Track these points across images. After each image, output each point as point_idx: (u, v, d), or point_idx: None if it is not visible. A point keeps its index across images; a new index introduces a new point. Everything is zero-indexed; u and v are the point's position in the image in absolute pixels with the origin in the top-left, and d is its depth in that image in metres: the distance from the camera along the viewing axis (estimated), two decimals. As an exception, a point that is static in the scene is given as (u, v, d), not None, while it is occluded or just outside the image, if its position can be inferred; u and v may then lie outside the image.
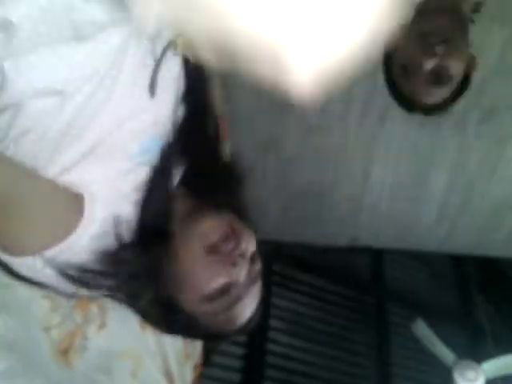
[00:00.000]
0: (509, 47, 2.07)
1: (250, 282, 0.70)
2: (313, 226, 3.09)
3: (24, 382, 0.71)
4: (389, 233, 3.13)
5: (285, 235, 3.17)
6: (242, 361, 3.13)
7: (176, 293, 0.70)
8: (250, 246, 0.79)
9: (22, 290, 0.76)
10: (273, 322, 3.40)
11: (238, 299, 0.69)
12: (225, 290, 0.74)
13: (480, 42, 1.01)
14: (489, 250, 3.25)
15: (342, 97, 2.34)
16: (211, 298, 0.73)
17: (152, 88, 0.61)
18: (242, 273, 0.75)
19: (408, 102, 1.16)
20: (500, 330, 3.91)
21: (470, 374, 2.45)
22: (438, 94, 1.09)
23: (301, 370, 3.35)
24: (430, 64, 1.02)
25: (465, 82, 1.08)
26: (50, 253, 0.59)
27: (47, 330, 0.83)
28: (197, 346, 1.82)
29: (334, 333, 3.63)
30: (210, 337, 0.75)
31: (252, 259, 0.78)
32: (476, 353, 3.75)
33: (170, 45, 0.64)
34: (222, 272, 0.73)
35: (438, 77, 1.04)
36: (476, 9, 1.14)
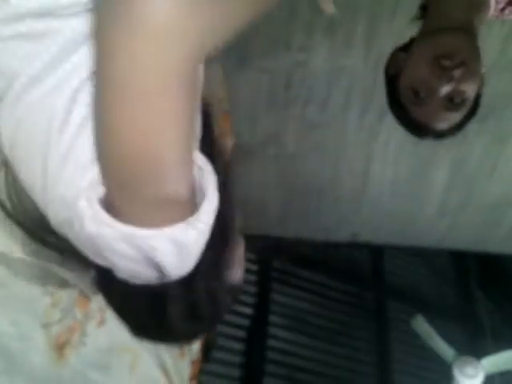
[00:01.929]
0: (508, 45, 2.09)
1: None
2: (313, 222, 3.11)
3: (5, 379, 0.71)
4: (389, 229, 3.14)
5: (285, 231, 3.19)
6: (242, 356, 3.15)
7: None
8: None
9: (22, 287, 0.76)
10: (273, 318, 3.42)
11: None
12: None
13: (480, 40, 1.00)
14: (489, 247, 3.27)
15: (342, 93, 2.36)
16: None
17: None
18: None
19: (417, 128, 1.08)
20: (499, 326, 3.93)
21: (470, 370, 2.46)
22: (452, 119, 1.02)
23: (301, 366, 3.37)
24: (445, 89, 0.95)
25: (475, 102, 1.02)
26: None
27: (46, 326, 0.83)
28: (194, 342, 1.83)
29: (334, 328, 3.64)
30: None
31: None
32: (475, 349, 3.76)
33: None
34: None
35: (453, 102, 0.97)
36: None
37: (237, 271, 0.64)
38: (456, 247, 3.43)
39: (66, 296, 0.88)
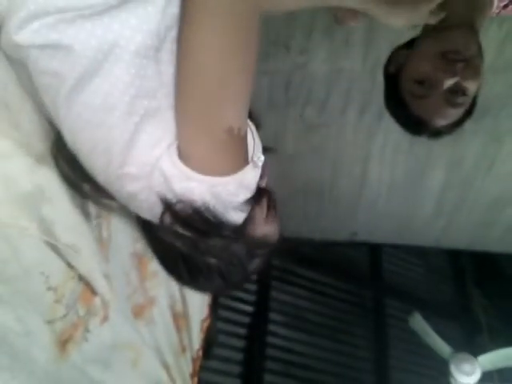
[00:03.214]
0: (505, 47, 2.08)
1: None
2: (312, 222, 3.13)
3: (8, 375, 0.71)
4: (387, 228, 3.16)
5: (285, 230, 3.18)
6: (242, 353, 3.17)
7: None
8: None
9: (27, 282, 0.77)
10: (273, 316, 3.44)
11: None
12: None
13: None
14: (485, 246, 3.28)
15: (341, 95, 2.37)
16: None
17: None
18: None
19: (415, 125, 1.08)
20: (495, 324, 3.94)
21: (466, 367, 2.48)
22: (451, 116, 1.03)
23: (300, 362, 3.38)
24: (449, 82, 0.96)
25: (472, 101, 1.04)
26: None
27: (50, 322, 0.83)
28: (195, 338, 1.84)
29: (333, 326, 3.66)
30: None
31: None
32: (472, 346, 3.78)
33: None
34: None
35: (455, 96, 0.98)
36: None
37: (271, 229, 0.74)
38: (453, 246, 3.44)
39: (69, 292, 0.88)
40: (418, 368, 3.75)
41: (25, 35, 0.54)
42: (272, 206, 0.74)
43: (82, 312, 0.94)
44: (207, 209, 0.60)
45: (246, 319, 3.32)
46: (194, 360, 1.84)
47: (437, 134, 1.08)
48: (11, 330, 0.73)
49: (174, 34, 0.57)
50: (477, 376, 2.46)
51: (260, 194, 0.67)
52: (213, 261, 0.68)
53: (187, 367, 1.73)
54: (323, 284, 3.78)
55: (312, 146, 2.64)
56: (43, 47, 0.55)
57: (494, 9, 1.07)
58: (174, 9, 0.57)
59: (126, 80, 0.56)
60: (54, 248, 0.80)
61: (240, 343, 3.19)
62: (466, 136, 2.47)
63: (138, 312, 1.29)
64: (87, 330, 0.97)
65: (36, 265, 0.78)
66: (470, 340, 3.95)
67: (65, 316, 0.87)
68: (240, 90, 0.58)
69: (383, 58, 2.17)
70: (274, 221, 0.77)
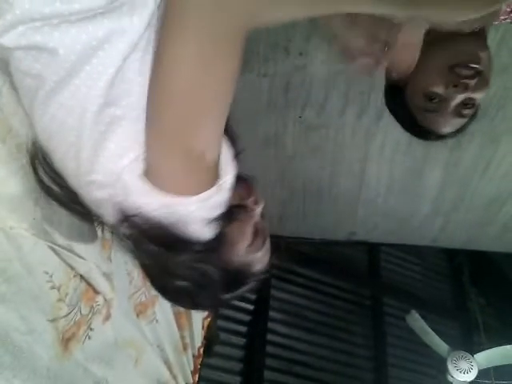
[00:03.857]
0: (501, 49, 2.08)
1: None
2: (312, 221, 3.13)
3: (11, 373, 0.71)
4: (385, 228, 3.17)
5: (285, 230, 3.19)
6: (243, 350, 3.19)
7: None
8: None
9: (30, 281, 0.76)
10: (272, 314, 3.46)
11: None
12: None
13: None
14: (482, 245, 3.28)
15: (340, 97, 2.37)
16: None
17: None
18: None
19: (420, 132, 1.06)
20: (492, 322, 3.95)
21: (464, 365, 2.48)
22: (458, 125, 1.02)
23: (299, 360, 3.41)
24: (460, 98, 0.93)
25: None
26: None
27: (53, 320, 0.83)
28: (196, 336, 1.85)
29: (332, 324, 3.67)
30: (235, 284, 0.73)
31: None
32: (469, 344, 3.80)
33: None
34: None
35: (464, 109, 0.95)
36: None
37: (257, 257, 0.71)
38: (450, 245, 3.44)
39: (72, 291, 0.88)
40: (415, 366, 3.77)
41: (10, 38, 0.54)
42: (260, 235, 0.71)
43: (84, 311, 0.95)
44: (165, 225, 0.59)
45: (247, 317, 3.34)
46: (195, 357, 1.85)
47: (440, 138, 1.06)
48: (14, 328, 0.73)
49: (144, 43, 0.57)
50: (474, 373, 2.47)
51: (231, 215, 0.64)
52: (180, 280, 0.66)
53: (188, 364, 1.74)
54: (322, 283, 3.79)
55: (311, 147, 2.64)
56: (28, 49, 0.54)
57: (501, 14, 1.05)
58: (154, 21, 0.57)
59: (101, 86, 0.56)
60: (53, 247, 0.80)
61: (240, 341, 3.21)
62: (462, 137, 2.46)
63: (141, 310, 1.30)
64: (90, 329, 0.98)
65: (39, 264, 0.78)
66: (467, 338, 3.97)
67: (68, 314, 0.88)
68: (215, 115, 0.57)
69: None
70: (261, 251, 0.73)
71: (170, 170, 0.58)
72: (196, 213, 0.59)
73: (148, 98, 0.57)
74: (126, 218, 0.60)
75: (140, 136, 0.58)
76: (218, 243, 0.63)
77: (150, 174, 0.58)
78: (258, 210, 0.71)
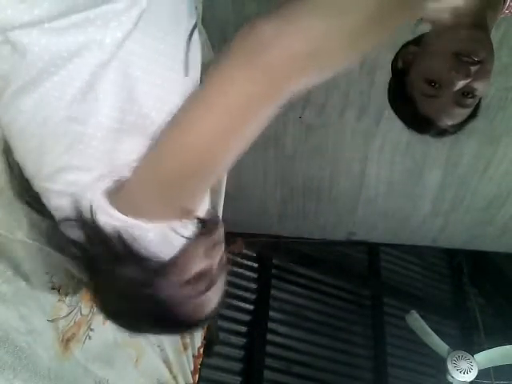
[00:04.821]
0: (502, 48, 2.07)
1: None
2: (312, 222, 3.13)
3: (11, 373, 0.71)
4: (384, 228, 3.17)
5: (285, 230, 3.21)
6: (243, 350, 3.20)
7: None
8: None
9: (31, 281, 0.77)
10: (272, 314, 3.47)
11: (214, 281, 0.68)
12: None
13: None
14: (481, 245, 3.29)
15: (340, 96, 2.38)
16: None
17: (186, 66, 0.62)
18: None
19: (420, 123, 1.06)
20: (491, 322, 3.94)
21: (463, 365, 2.48)
22: (458, 116, 1.02)
23: (299, 360, 3.42)
24: (461, 84, 0.94)
25: (477, 103, 1.02)
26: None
27: (54, 321, 0.84)
28: (196, 336, 1.85)
29: (332, 324, 3.68)
30: (176, 326, 0.71)
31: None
32: (468, 344, 3.81)
33: (196, 25, 0.67)
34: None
35: (464, 97, 0.96)
36: None
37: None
38: (449, 245, 3.44)
39: (72, 291, 0.88)
40: (415, 365, 3.78)
41: None
42: (205, 280, 0.65)
43: (85, 311, 0.95)
44: (122, 242, 0.58)
45: (247, 317, 3.35)
46: (195, 357, 1.85)
47: (440, 133, 1.06)
48: (15, 328, 0.73)
49: (120, 65, 0.56)
50: (474, 373, 2.48)
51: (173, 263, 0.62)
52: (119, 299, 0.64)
53: (188, 364, 1.73)
54: (322, 283, 3.80)
55: (311, 147, 2.64)
56: (1, 44, 0.54)
57: (506, 8, 1.04)
58: (132, 45, 0.56)
59: (67, 99, 0.55)
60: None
61: (240, 341, 3.22)
62: (462, 137, 2.47)
63: None
64: (90, 329, 0.98)
65: (40, 264, 0.78)
66: (467, 338, 3.97)
67: (68, 315, 0.88)
68: (209, 182, 0.59)
69: (381, 60, 2.19)
70: (202, 297, 0.67)
71: (142, 202, 0.58)
72: (152, 242, 0.58)
73: (156, 141, 0.57)
74: (84, 225, 0.59)
75: (105, 156, 0.58)
76: (166, 269, 0.61)
77: (119, 194, 0.58)
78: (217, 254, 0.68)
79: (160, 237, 0.59)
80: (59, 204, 0.61)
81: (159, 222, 0.58)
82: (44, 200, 0.63)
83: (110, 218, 0.57)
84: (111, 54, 0.55)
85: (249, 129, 0.55)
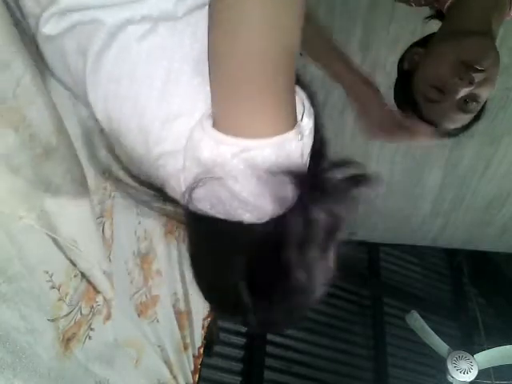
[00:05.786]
0: (502, 49, 2.10)
1: None
2: (311, 221, 3.13)
3: (11, 373, 0.71)
4: (385, 228, 3.17)
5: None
6: (243, 350, 3.19)
7: None
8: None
9: (31, 280, 0.77)
10: (273, 314, 3.46)
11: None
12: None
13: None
14: (481, 245, 3.30)
15: (340, 97, 2.38)
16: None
17: None
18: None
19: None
20: (492, 322, 3.95)
21: (464, 365, 2.49)
22: (461, 121, 1.03)
23: (299, 360, 3.40)
24: (465, 91, 0.95)
25: (482, 106, 1.03)
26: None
27: (54, 320, 0.83)
28: (196, 336, 1.86)
29: (332, 324, 3.67)
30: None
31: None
32: (469, 344, 3.81)
33: None
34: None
35: (468, 104, 0.97)
36: None
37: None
38: (449, 245, 3.45)
39: (73, 291, 0.88)
40: (415, 366, 3.77)
41: (51, 25, 0.55)
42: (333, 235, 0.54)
43: (85, 310, 0.95)
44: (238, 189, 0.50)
45: (247, 317, 3.34)
46: (195, 357, 1.85)
47: (443, 135, 1.07)
48: (15, 327, 0.73)
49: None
50: (474, 374, 2.48)
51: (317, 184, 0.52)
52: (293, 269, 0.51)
53: (189, 364, 1.74)
54: (322, 282, 3.80)
55: (311, 147, 2.65)
56: (70, 29, 0.55)
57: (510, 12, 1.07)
58: None
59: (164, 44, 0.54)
60: (56, 242, 0.80)
61: (240, 341, 3.20)
62: (462, 138, 2.47)
63: (142, 310, 1.31)
64: (90, 328, 0.98)
65: (40, 263, 0.78)
66: (467, 338, 3.97)
67: (68, 314, 0.88)
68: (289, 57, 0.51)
69: (381, 61, 2.20)
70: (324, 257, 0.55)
71: (238, 108, 0.50)
72: (273, 161, 0.49)
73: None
74: (198, 183, 0.51)
75: (200, 93, 0.53)
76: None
77: (218, 123, 0.51)
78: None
79: (278, 152, 0.50)
80: (169, 170, 0.55)
81: (267, 136, 0.49)
82: (161, 172, 0.56)
83: (218, 146, 0.50)
84: None
85: None
